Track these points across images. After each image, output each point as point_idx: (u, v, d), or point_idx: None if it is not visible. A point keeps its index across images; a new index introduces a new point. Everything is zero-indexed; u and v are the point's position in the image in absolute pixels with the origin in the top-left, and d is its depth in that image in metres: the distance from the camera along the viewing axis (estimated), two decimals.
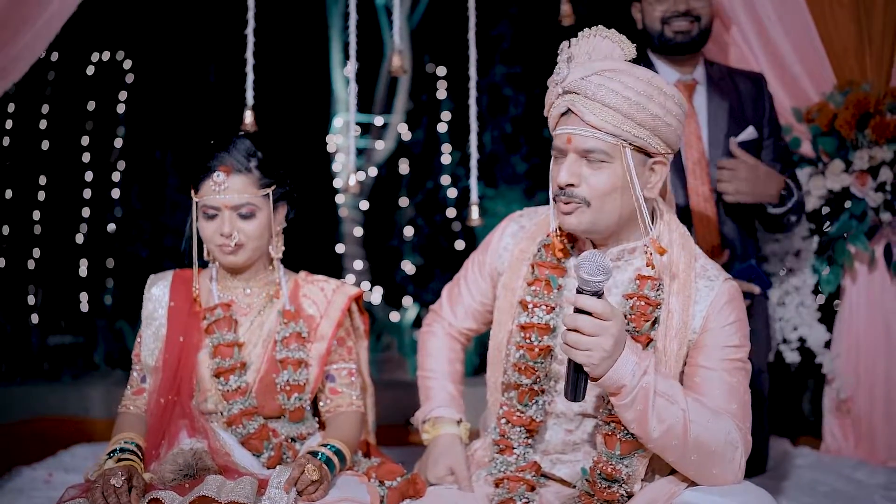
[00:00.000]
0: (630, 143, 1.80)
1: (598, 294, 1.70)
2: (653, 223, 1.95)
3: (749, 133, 2.94)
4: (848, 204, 3.28)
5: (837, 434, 3.41)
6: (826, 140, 3.26)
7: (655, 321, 1.88)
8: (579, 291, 1.70)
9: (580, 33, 1.88)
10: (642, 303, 1.87)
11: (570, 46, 1.87)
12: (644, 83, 1.78)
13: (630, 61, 1.86)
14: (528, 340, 1.97)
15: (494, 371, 2.09)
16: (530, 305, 1.99)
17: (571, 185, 1.84)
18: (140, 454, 2.07)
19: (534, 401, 1.98)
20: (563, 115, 1.87)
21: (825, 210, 3.37)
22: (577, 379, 1.75)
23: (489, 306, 2.23)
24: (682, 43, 2.90)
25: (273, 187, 2.22)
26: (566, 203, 1.87)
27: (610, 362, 1.70)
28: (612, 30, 1.87)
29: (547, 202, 2.00)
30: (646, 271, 1.90)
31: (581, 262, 1.68)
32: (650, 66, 2.95)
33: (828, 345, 3.43)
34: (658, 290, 1.89)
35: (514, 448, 1.99)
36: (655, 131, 1.79)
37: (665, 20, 2.89)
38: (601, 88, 1.77)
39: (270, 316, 2.30)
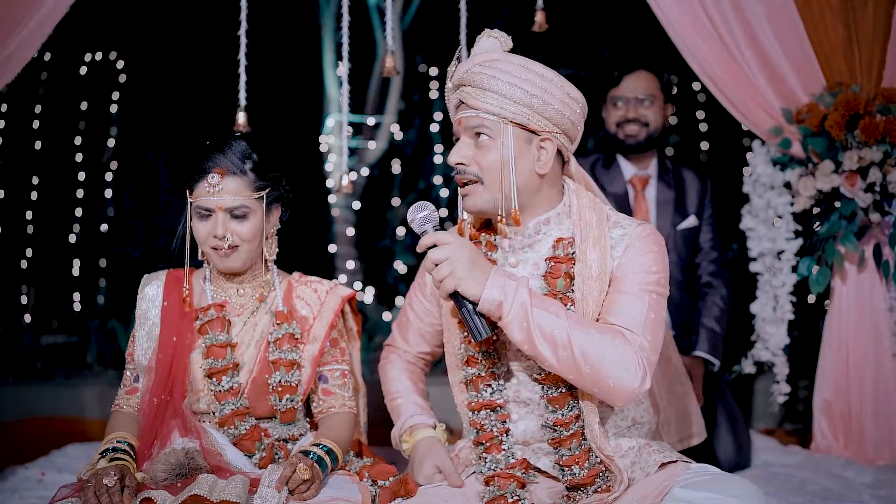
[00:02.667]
0: (511, 121, 1.94)
1: (435, 230, 1.90)
2: (561, 195, 2.07)
3: (690, 221, 3.48)
4: (838, 204, 3.30)
5: (827, 433, 3.42)
6: (816, 140, 3.28)
7: (572, 278, 1.98)
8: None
9: (477, 38, 2.05)
10: (552, 263, 2.00)
11: (459, 50, 2.03)
12: (519, 67, 1.94)
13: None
14: (466, 334, 2.06)
15: (454, 376, 2.17)
16: None
17: (461, 163, 1.99)
18: (132, 454, 2.07)
19: (487, 384, 2.05)
20: (457, 107, 2.03)
21: (815, 210, 3.39)
22: (467, 314, 1.86)
23: (438, 325, 2.30)
24: (632, 145, 3.45)
25: (267, 190, 2.22)
26: (462, 185, 2.01)
27: (476, 276, 1.84)
28: (496, 30, 2.03)
29: None
30: (566, 235, 2.02)
31: (408, 216, 1.91)
32: (615, 163, 3.54)
33: (786, 349, 3.50)
34: (571, 247, 2.00)
35: (493, 437, 2.03)
36: (534, 108, 1.94)
37: (619, 124, 3.45)
38: (481, 76, 1.94)
39: (263, 317, 2.30)
